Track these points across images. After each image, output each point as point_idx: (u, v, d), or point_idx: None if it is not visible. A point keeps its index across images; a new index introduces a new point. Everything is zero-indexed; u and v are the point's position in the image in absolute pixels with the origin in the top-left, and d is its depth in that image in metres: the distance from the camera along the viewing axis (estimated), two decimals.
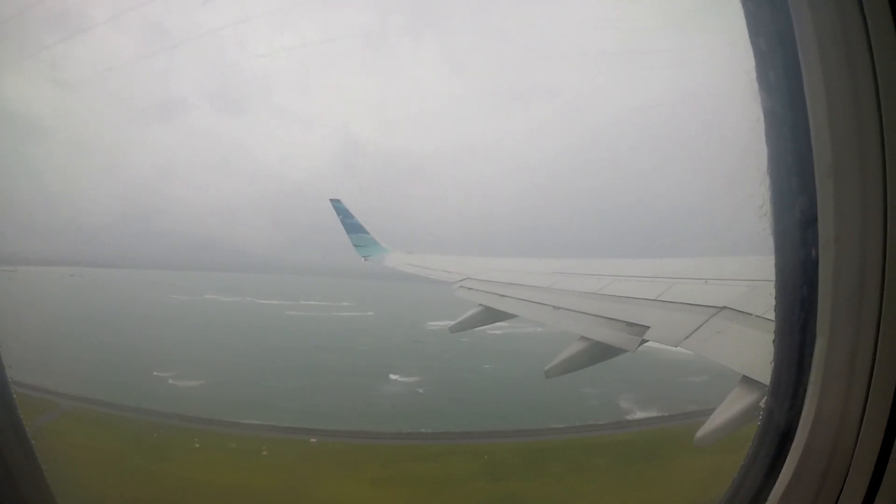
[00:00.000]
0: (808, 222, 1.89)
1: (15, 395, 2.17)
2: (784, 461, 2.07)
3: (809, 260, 1.93)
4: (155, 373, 37.13)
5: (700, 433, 4.28)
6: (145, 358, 40.94)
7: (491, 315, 9.46)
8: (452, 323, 10.14)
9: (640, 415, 36.06)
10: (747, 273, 5.79)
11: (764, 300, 4.97)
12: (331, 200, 18.01)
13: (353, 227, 17.58)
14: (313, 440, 24.30)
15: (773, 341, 2.31)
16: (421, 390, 43.20)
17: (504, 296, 9.53)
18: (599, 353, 6.56)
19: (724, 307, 5.37)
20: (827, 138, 1.77)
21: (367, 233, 17.36)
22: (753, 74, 2.05)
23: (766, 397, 2.41)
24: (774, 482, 2.09)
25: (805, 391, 2.00)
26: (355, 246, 17.07)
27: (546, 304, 8.34)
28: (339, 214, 17.74)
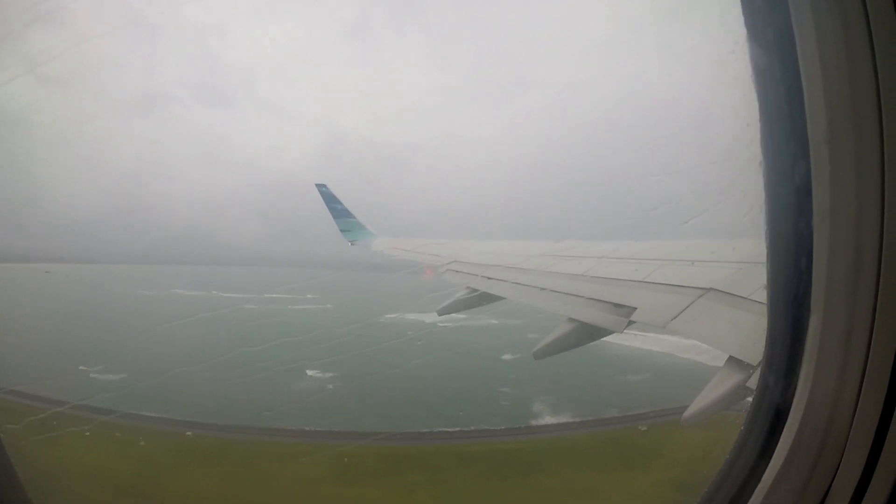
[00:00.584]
0: (803, 193, 1.84)
1: None
2: (778, 440, 2.05)
3: (803, 233, 1.87)
4: (81, 367, 37.75)
5: (687, 413, 4.32)
6: (72, 352, 42.12)
7: (478, 298, 9.46)
8: (439, 306, 10.12)
9: (546, 420, 35.80)
10: (734, 255, 5.82)
11: (750, 282, 5.01)
12: (317, 185, 17.82)
13: (339, 211, 17.43)
14: (189, 433, 25.72)
15: (767, 317, 2.25)
16: (331, 386, 43.73)
17: (492, 278, 9.52)
18: (587, 334, 6.60)
19: (711, 288, 5.40)
20: (822, 106, 1.71)
21: (353, 217, 17.23)
22: (744, 38, 1.99)
23: (759, 375, 2.39)
24: (768, 461, 2.07)
25: (799, 369, 1.97)
26: (342, 231, 16.94)
27: (534, 287, 8.36)
28: (325, 199, 17.57)
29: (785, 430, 2.03)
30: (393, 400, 39.21)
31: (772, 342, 2.26)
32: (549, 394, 39.68)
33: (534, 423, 35.62)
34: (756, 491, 2.10)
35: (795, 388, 1.99)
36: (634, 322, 5.97)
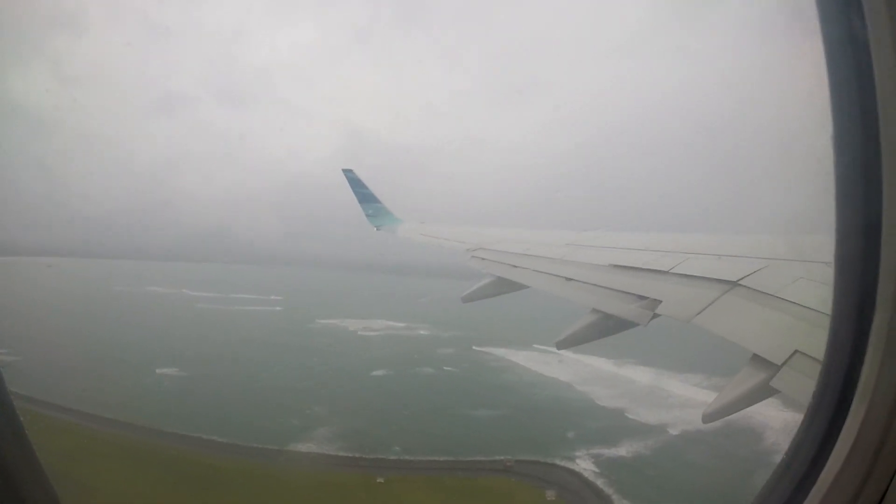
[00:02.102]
0: (873, 192, 1.83)
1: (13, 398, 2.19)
2: (836, 439, 2.03)
3: (872, 232, 1.87)
4: None
5: (708, 409, 4.35)
6: None
7: (503, 285, 9.52)
8: (465, 293, 10.21)
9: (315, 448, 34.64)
10: (762, 251, 5.76)
11: (778, 279, 4.96)
12: (343, 170, 17.98)
13: (365, 196, 17.56)
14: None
15: (831, 314, 2.24)
16: (166, 383, 45.24)
17: (516, 266, 9.56)
18: (610, 326, 6.60)
19: (738, 284, 5.36)
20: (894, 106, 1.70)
21: (379, 202, 17.34)
22: (821, 51, 1.97)
23: (819, 372, 2.36)
24: (826, 460, 2.05)
25: (861, 367, 1.95)
26: (368, 216, 17.08)
27: (558, 276, 8.36)
28: (351, 184, 17.72)
29: (844, 429, 2.00)
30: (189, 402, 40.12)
31: (834, 339, 2.23)
32: (377, 418, 38.59)
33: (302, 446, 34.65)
34: (813, 490, 2.09)
35: (856, 387, 1.97)
36: (659, 315, 5.97)
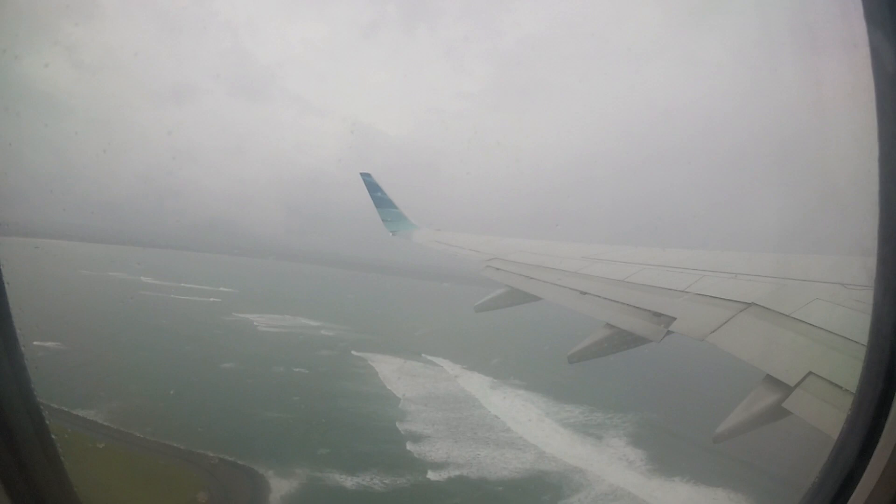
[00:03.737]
0: None
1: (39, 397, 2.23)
2: (875, 447, 2.05)
3: None
4: None
5: (720, 429, 4.36)
6: None
7: (516, 296, 9.56)
8: (478, 302, 10.27)
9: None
10: (777, 270, 5.77)
11: (793, 299, 4.98)
12: (361, 174, 18.16)
13: (382, 201, 17.70)
14: None
15: (870, 322, 2.28)
16: (39, 353, 44.67)
17: (531, 278, 9.60)
18: (624, 341, 6.62)
19: (753, 303, 5.37)
20: None
21: (395, 207, 17.47)
22: (870, 71, 1.99)
23: (859, 379, 2.38)
24: (865, 467, 2.08)
25: (891, 404, 1.99)
26: (384, 221, 17.21)
27: (573, 289, 8.38)
28: (368, 188, 17.88)
29: (882, 437, 2.03)
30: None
31: (875, 345, 2.25)
32: (166, 401, 38.28)
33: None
34: (852, 497, 2.11)
35: (886, 420, 2.01)
36: (672, 332, 5.99)
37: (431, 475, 32.64)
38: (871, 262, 2.20)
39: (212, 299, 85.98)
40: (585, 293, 7.97)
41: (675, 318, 6.09)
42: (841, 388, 3.48)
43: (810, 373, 3.84)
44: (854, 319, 3.91)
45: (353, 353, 58.99)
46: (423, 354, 57.92)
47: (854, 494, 2.10)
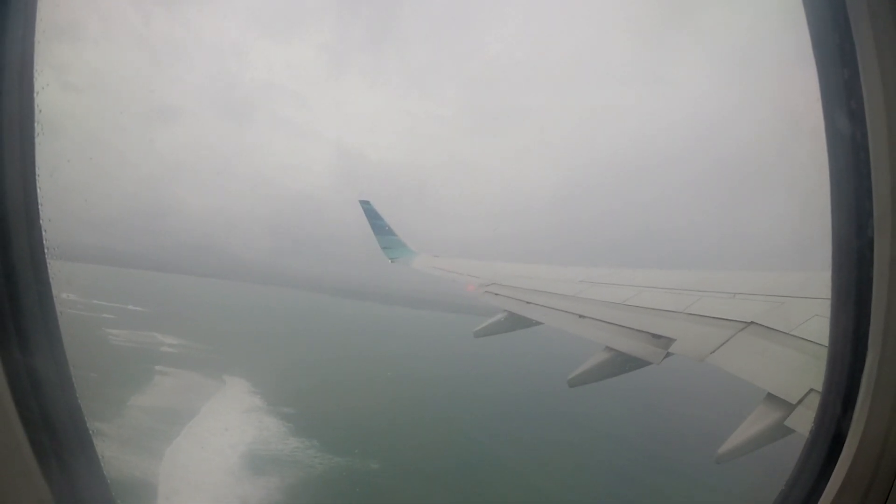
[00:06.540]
0: (866, 238, 1.92)
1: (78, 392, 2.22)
2: (832, 471, 2.09)
3: (864, 277, 1.95)
4: None
5: (722, 450, 4.26)
6: None
7: (515, 321, 9.49)
8: (477, 328, 10.19)
9: None
10: (776, 288, 5.73)
11: (792, 317, 4.93)
12: (360, 202, 18.26)
13: (381, 228, 17.76)
14: None
15: (827, 353, 2.32)
16: None
17: (529, 303, 9.55)
18: (623, 364, 6.55)
19: (752, 322, 5.32)
20: (886, 147, 1.77)
21: (394, 235, 17.51)
22: (815, 80, 2.03)
23: (818, 406, 2.42)
24: (822, 491, 2.11)
25: (855, 404, 2.02)
26: (383, 248, 17.23)
27: (572, 313, 8.33)
28: (368, 216, 17.95)
29: (839, 462, 2.06)
30: None
31: (831, 375, 2.30)
32: None
33: None
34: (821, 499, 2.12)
35: (851, 421, 2.04)
36: (672, 354, 5.91)
37: None
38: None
39: (104, 315, 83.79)
40: (584, 316, 7.91)
41: (674, 340, 6.03)
42: None
43: (811, 389, 3.78)
44: None
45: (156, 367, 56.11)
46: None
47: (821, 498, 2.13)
